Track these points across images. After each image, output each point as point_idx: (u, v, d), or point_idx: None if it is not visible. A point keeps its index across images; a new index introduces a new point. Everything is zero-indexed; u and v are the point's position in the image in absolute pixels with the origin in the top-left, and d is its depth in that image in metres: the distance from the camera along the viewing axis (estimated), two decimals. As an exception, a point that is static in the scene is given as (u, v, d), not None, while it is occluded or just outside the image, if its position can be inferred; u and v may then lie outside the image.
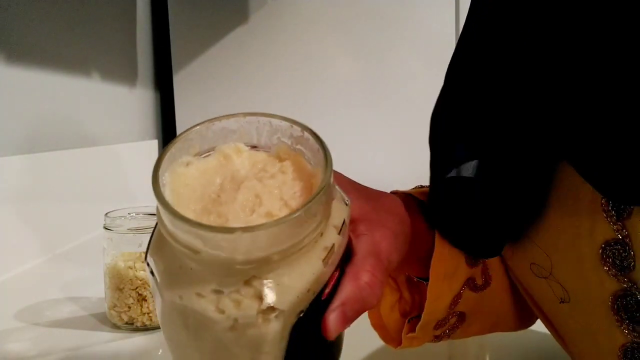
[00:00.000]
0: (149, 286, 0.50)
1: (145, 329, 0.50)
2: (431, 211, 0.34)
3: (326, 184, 0.23)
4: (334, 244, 0.24)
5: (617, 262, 0.27)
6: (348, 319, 0.24)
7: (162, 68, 1.31)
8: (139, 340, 0.49)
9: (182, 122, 1.26)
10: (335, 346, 0.27)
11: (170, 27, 1.24)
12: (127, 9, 1.14)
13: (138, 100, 1.17)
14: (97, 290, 0.60)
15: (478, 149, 0.31)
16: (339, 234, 0.25)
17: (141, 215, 0.54)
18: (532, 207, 0.31)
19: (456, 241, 0.34)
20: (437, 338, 0.39)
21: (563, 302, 0.31)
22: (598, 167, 0.26)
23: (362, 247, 0.27)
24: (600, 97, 0.24)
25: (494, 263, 0.37)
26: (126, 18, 1.13)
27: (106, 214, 0.52)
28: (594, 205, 0.27)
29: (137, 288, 0.50)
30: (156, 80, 1.29)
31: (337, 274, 0.25)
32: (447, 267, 0.35)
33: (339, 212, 0.25)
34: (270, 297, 0.22)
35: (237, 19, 1.22)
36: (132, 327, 0.50)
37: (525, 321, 0.41)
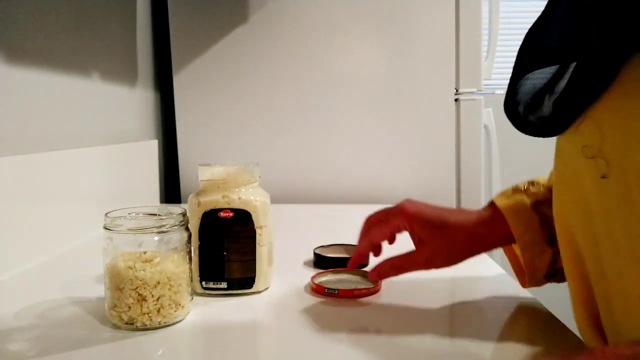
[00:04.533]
0: (148, 286, 0.50)
1: (145, 329, 0.50)
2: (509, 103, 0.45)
3: None
4: None
5: None
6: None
7: (162, 68, 1.31)
8: (139, 340, 0.49)
9: (182, 122, 1.26)
10: None
11: (170, 27, 1.24)
12: (127, 9, 1.14)
13: (138, 100, 1.17)
14: (97, 290, 0.60)
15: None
16: None
17: (141, 215, 0.54)
18: (599, 86, 0.36)
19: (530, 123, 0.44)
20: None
21: (604, 177, 0.37)
22: None
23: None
24: None
25: None
26: (126, 18, 1.13)
27: (106, 214, 0.52)
28: None
29: (137, 288, 0.50)
30: (156, 80, 1.29)
31: None
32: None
33: None
34: None
35: (237, 19, 1.22)
36: (132, 327, 0.50)
37: None
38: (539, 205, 0.54)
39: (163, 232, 0.51)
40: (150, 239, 0.51)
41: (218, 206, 0.59)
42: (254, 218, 0.59)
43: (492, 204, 0.56)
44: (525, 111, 0.45)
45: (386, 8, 1.20)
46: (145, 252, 0.51)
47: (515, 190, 0.56)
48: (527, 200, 0.55)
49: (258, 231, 0.60)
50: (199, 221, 0.59)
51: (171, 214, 0.53)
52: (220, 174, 0.60)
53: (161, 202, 1.24)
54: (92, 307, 0.56)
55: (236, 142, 1.24)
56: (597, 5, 0.35)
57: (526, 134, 0.45)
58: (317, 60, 1.23)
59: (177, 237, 0.53)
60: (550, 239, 0.53)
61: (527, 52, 0.43)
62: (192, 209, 0.59)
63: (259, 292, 0.61)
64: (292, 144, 1.23)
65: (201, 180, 0.61)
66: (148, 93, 1.24)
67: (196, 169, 0.62)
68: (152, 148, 1.19)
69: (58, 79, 0.84)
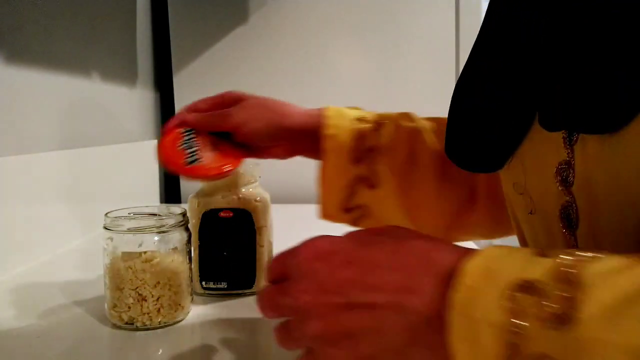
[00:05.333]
0: (148, 286, 0.50)
1: (145, 329, 0.50)
2: (450, 138, 0.45)
3: None
4: None
5: (564, 178, 0.34)
6: None
7: (162, 68, 1.31)
8: (139, 340, 0.49)
9: (182, 122, 1.26)
10: None
11: (170, 27, 1.24)
12: (127, 9, 1.14)
13: (138, 100, 1.17)
14: (97, 290, 0.60)
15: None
16: None
17: (141, 215, 0.54)
18: (521, 130, 0.37)
19: (466, 156, 0.44)
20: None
21: (531, 213, 0.38)
22: (546, 101, 0.35)
23: None
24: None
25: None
26: (126, 18, 1.13)
27: (106, 214, 0.52)
28: (558, 133, 0.34)
29: (137, 288, 0.50)
30: (156, 80, 1.29)
31: None
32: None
33: None
34: None
35: (237, 19, 1.22)
36: (132, 327, 0.50)
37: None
38: (363, 135, 0.55)
39: (163, 232, 0.51)
40: (150, 239, 0.51)
41: (218, 206, 0.59)
42: (254, 218, 0.59)
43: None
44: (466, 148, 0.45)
45: (386, 8, 1.20)
46: (145, 252, 0.51)
47: (353, 107, 0.60)
48: (353, 112, 0.58)
49: (258, 231, 0.60)
50: (199, 221, 0.59)
51: (171, 214, 0.53)
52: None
53: (161, 202, 1.24)
54: (92, 307, 0.56)
55: (236, 142, 1.24)
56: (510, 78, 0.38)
57: (467, 169, 0.45)
58: (317, 60, 1.23)
59: (177, 237, 0.53)
60: (356, 161, 0.55)
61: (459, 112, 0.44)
62: (192, 209, 0.59)
63: (259, 292, 0.61)
64: (292, 144, 1.23)
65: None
66: (148, 93, 1.24)
67: (196, 169, 0.62)
68: (152, 148, 1.19)
69: (58, 79, 0.84)
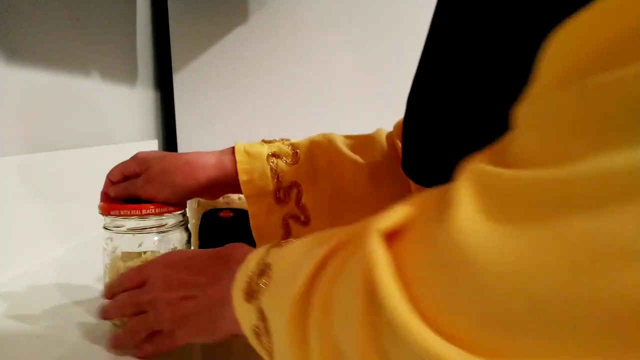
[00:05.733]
0: (149, 286, 0.50)
1: (145, 329, 0.50)
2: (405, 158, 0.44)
3: None
4: None
5: None
6: None
7: (162, 68, 1.31)
8: (139, 340, 0.49)
9: (182, 122, 1.26)
10: None
11: (170, 27, 1.24)
12: (127, 9, 1.14)
13: (138, 100, 1.17)
14: (97, 290, 0.60)
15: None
16: None
17: None
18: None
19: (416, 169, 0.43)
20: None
21: None
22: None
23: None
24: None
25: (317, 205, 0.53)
26: (126, 18, 1.13)
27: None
28: None
29: (137, 288, 0.50)
30: (156, 80, 1.29)
31: None
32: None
33: None
34: None
35: (237, 19, 1.22)
36: (132, 327, 0.50)
37: None
38: (275, 157, 0.53)
39: (163, 232, 0.51)
40: (150, 239, 0.51)
41: (218, 206, 0.59)
42: (254, 218, 0.59)
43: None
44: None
45: (386, 8, 1.20)
46: (145, 252, 0.51)
47: (264, 140, 0.56)
48: (265, 150, 0.54)
49: (258, 231, 0.60)
50: (199, 221, 0.59)
51: (171, 214, 0.53)
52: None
53: (161, 202, 1.24)
54: (92, 307, 0.56)
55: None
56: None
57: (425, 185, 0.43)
58: (317, 60, 1.23)
59: (177, 237, 0.53)
60: (280, 201, 0.53)
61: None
62: (192, 208, 0.59)
63: (259, 292, 0.61)
64: (292, 144, 1.23)
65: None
66: (148, 93, 1.24)
67: (196, 169, 0.62)
68: (152, 148, 1.18)
69: (58, 79, 0.84)
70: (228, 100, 1.24)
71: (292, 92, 1.23)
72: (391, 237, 0.23)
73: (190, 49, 1.24)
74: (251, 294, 0.33)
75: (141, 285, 0.44)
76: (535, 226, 0.17)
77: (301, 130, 1.24)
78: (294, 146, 0.55)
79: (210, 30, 1.23)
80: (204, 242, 0.59)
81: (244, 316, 0.34)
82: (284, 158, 0.54)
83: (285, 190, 0.53)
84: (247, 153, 0.53)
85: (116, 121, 1.06)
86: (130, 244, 0.51)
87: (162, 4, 1.27)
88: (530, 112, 0.19)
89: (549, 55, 0.19)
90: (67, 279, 0.67)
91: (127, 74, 1.11)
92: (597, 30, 0.17)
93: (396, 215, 0.23)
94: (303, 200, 0.53)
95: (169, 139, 1.33)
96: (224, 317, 0.37)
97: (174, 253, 0.46)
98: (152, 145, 1.19)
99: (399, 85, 1.22)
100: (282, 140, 0.56)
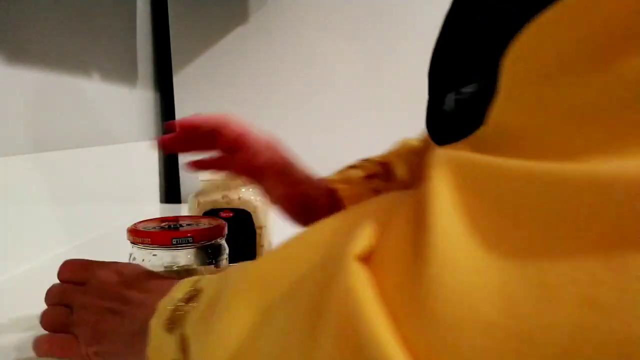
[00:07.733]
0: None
1: (145, 329, 0.50)
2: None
3: None
4: None
5: None
6: None
7: (162, 68, 1.31)
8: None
9: (182, 122, 1.26)
10: None
11: (170, 27, 1.24)
12: (127, 9, 1.14)
13: (138, 100, 1.17)
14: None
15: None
16: None
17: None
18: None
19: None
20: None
21: None
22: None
23: None
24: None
25: None
26: (126, 18, 1.13)
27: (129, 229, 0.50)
28: None
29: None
30: (156, 80, 1.29)
31: None
32: None
33: None
34: None
35: (237, 19, 1.22)
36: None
37: None
38: (372, 178, 0.56)
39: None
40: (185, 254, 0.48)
41: (218, 206, 0.59)
42: (254, 218, 0.59)
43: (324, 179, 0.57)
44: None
45: (386, 8, 1.20)
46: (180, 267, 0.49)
47: (349, 166, 0.59)
48: (360, 173, 0.57)
49: (258, 231, 0.60)
50: (199, 221, 0.59)
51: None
52: (220, 174, 0.60)
53: (161, 202, 1.24)
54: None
55: (236, 142, 1.24)
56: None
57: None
58: (317, 60, 1.23)
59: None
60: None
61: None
62: (192, 208, 0.59)
63: (259, 292, 0.61)
64: (292, 143, 1.23)
65: (201, 180, 0.61)
66: (148, 93, 1.24)
67: (196, 169, 0.62)
68: (152, 148, 1.19)
69: (58, 79, 0.84)
70: (228, 101, 1.24)
71: (293, 92, 1.23)
72: (366, 260, 0.21)
73: (190, 49, 1.24)
74: (174, 321, 0.31)
75: (82, 282, 0.44)
76: (534, 260, 0.16)
77: (301, 130, 1.25)
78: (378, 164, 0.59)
79: (210, 30, 1.23)
80: (204, 242, 0.59)
81: (160, 352, 0.32)
82: (378, 173, 0.58)
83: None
84: (343, 180, 0.57)
85: (116, 121, 1.06)
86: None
87: (162, 4, 1.27)
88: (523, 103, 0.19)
89: (520, 51, 0.19)
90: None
91: (127, 74, 1.12)
92: (568, 30, 0.17)
93: (368, 235, 0.22)
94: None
95: (169, 139, 1.33)
96: (135, 353, 0.35)
97: (123, 264, 0.44)
98: (152, 145, 1.19)
99: (400, 84, 1.22)
100: (364, 159, 0.61)
